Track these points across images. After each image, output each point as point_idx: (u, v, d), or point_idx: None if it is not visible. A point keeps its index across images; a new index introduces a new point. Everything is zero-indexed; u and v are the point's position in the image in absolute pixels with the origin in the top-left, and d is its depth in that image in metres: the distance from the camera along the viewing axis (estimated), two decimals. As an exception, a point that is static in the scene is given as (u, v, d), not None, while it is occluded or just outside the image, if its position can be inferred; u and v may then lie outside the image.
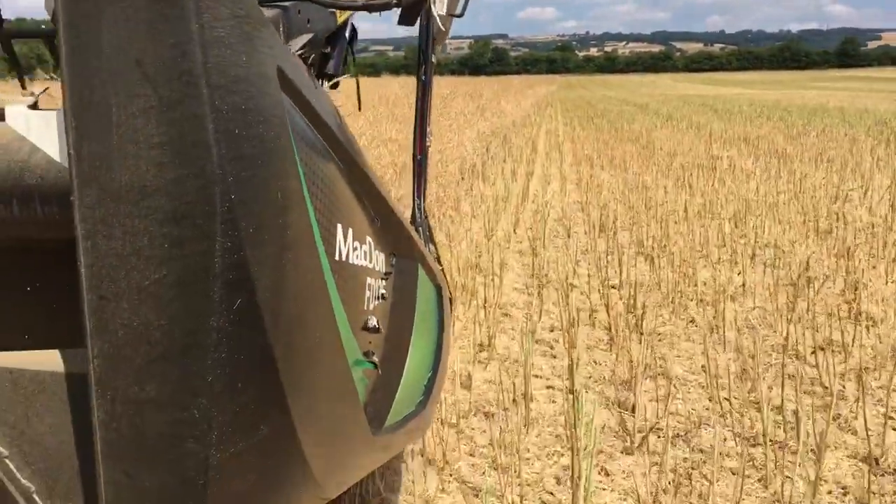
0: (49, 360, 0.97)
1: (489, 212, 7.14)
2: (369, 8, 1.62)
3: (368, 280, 1.41)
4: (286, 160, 0.92)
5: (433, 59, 2.61)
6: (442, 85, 29.32)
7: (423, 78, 2.61)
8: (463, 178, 8.67)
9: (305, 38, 1.60)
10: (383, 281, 1.53)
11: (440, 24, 2.42)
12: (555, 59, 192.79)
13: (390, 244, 1.57)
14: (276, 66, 0.91)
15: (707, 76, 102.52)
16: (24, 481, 0.95)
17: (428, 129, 2.66)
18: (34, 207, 0.98)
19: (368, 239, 1.39)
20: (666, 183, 8.97)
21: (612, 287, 4.96)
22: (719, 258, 5.60)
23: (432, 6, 2.26)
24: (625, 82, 72.93)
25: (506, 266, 5.47)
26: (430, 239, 2.65)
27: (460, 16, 2.52)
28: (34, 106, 0.97)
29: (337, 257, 1.19)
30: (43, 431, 0.95)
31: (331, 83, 1.97)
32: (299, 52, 1.57)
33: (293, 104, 1.01)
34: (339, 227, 1.20)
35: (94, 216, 0.80)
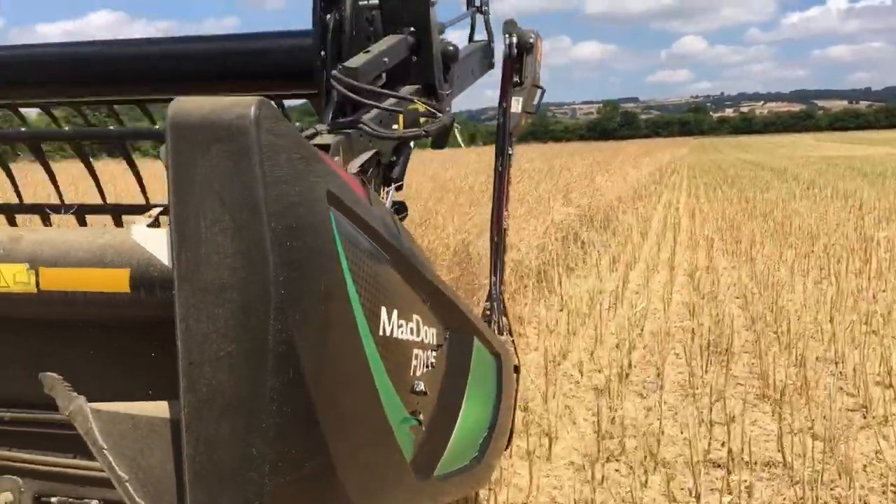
0: (158, 409, 1.37)
1: (565, 322, 5.56)
2: (403, 139, 2.00)
3: (416, 351, 1.74)
4: (330, 261, 1.33)
5: (510, 151, 2.94)
6: (555, 153, 27.93)
7: (500, 169, 2.92)
8: (533, 279, 7.12)
9: (367, 154, 1.86)
10: (433, 352, 1.84)
11: (516, 120, 2.93)
12: (687, 120, 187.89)
13: (443, 321, 1.90)
14: (326, 189, 1.32)
15: (853, 135, 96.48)
16: (138, 499, 1.35)
17: (505, 213, 2.95)
18: (155, 294, 1.36)
19: (416, 317, 1.72)
20: (804, 277, 7.11)
21: (716, 465, 3.30)
22: (887, 416, 3.79)
23: (513, 105, 2.90)
24: (762, 143, 69.25)
25: (567, 415, 3.89)
26: (503, 313, 2.87)
27: (534, 113, 3.03)
28: (155, 222, 1.39)
29: (381, 333, 1.54)
30: (153, 462, 1.36)
31: (395, 186, 2.09)
32: (362, 165, 1.84)
33: (342, 215, 1.38)
34: (384, 308, 1.55)
35: (187, 304, 1.20)
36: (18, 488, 1.71)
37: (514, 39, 2.85)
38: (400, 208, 2.07)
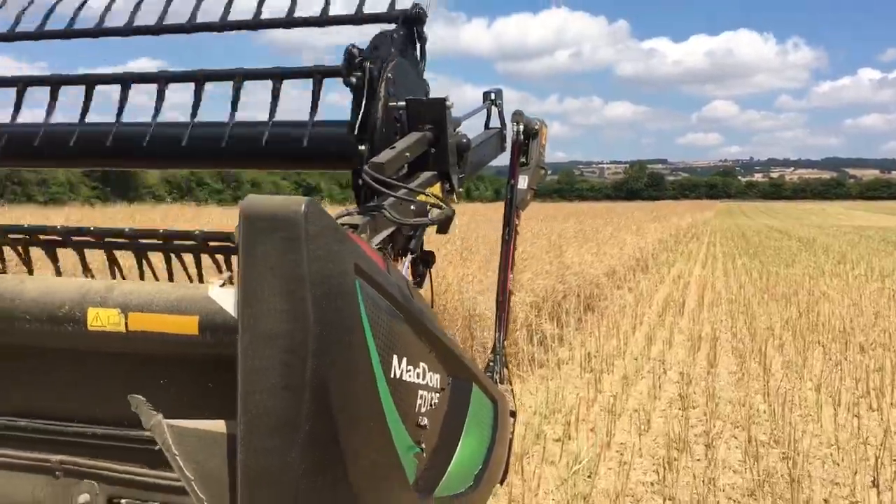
0: (217, 425, 1.82)
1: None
2: (414, 225, 2.51)
3: (420, 392, 2.15)
4: (354, 318, 1.78)
5: (517, 221, 3.41)
6: (548, 213, 26.21)
7: (507, 238, 3.35)
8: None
9: (387, 232, 2.35)
10: (437, 394, 2.24)
11: (522, 196, 3.40)
12: (715, 183, 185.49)
13: (446, 368, 2.30)
14: (354, 263, 1.79)
15: (885, 204, 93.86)
16: (200, 494, 1.78)
17: (510, 277, 3.35)
18: (217, 337, 1.83)
19: (422, 364, 2.15)
20: (833, 399, 5.27)
21: None
22: None
23: (520, 182, 3.36)
24: (790, 210, 67.08)
25: None
26: (504, 365, 3.31)
27: (536, 191, 3.53)
28: (228, 280, 1.88)
29: (392, 375, 1.97)
30: (212, 466, 1.82)
31: (412, 257, 2.63)
32: (383, 239, 2.37)
33: (365, 282, 1.85)
34: (395, 356, 1.99)
35: (247, 347, 1.64)
36: (95, 491, 2.20)
37: (521, 127, 3.31)
38: (428, 258, 2.76)
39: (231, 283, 1.92)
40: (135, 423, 2.02)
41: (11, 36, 3.15)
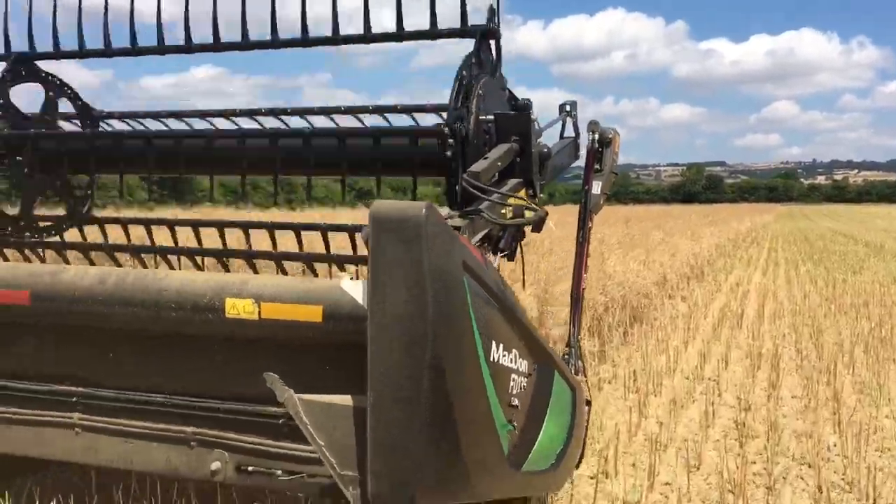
0: (344, 399, 2.21)
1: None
2: (511, 225, 2.86)
3: (513, 375, 2.43)
4: (463, 308, 2.10)
5: (590, 225, 3.59)
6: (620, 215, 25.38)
7: (581, 240, 3.57)
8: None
9: (483, 232, 2.68)
10: (525, 378, 2.53)
11: (595, 201, 3.62)
12: (776, 186, 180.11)
13: (532, 356, 2.58)
14: (462, 260, 2.11)
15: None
16: (330, 457, 2.17)
17: (584, 276, 3.60)
18: (339, 324, 2.22)
19: (514, 350, 2.43)
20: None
21: None
22: None
23: (593, 187, 3.56)
24: (855, 213, 64.59)
25: None
26: (579, 357, 3.53)
27: (609, 195, 3.72)
28: (356, 274, 2.34)
29: (492, 359, 2.27)
30: (340, 434, 2.19)
31: (502, 255, 2.98)
32: (481, 238, 2.70)
33: (470, 276, 2.15)
34: (494, 342, 2.28)
35: (375, 332, 2.00)
36: (225, 460, 2.54)
37: (597, 135, 3.54)
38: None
39: (358, 276, 2.31)
40: (261, 400, 2.46)
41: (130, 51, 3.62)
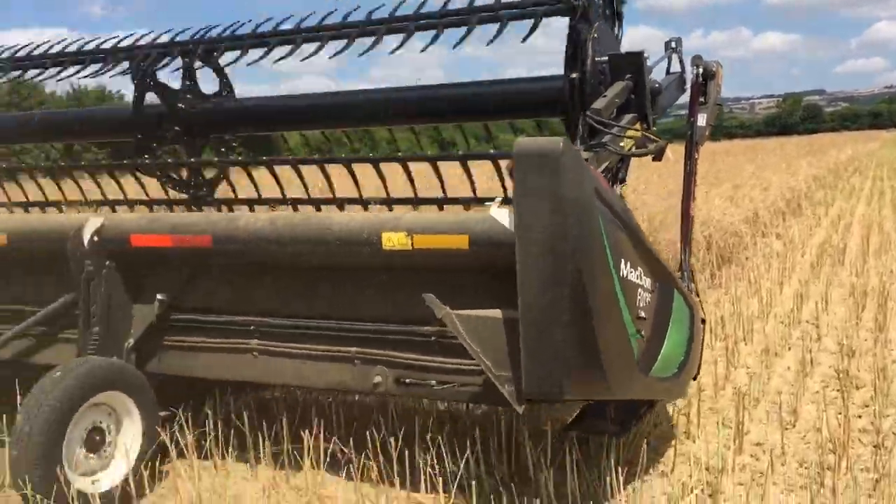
0: (494, 312, 2.67)
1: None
2: (634, 155, 3.18)
3: (639, 291, 2.74)
4: (596, 230, 2.44)
5: (696, 156, 3.83)
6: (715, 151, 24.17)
7: (688, 169, 3.83)
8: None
9: (606, 163, 2.92)
10: (649, 293, 2.83)
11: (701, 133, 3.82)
12: (880, 112, 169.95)
13: (654, 274, 2.86)
14: (594, 187, 2.46)
15: None
16: (487, 362, 2.64)
17: (692, 204, 3.87)
18: (482, 250, 2.62)
19: (639, 268, 2.73)
20: None
21: None
22: None
23: (699, 119, 3.78)
24: (970, 135, 60.30)
25: None
26: (691, 279, 3.77)
27: (714, 126, 3.95)
28: (502, 203, 2.70)
29: (622, 275, 2.59)
30: (495, 343, 2.64)
31: (621, 184, 3.31)
32: (605, 168, 2.90)
33: (601, 202, 2.48)
34: (622, 260, 2.60)
35: (522, 252, 2.40)
36: (385, 374, 2.97)
37: (701, 69, 3.76)
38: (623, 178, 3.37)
39: (504, 205, 2.64)
40: (416, 321, 2.90)
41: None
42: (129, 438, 3.19)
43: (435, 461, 3.01)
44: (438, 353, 2.89)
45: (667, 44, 3.80)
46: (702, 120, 3.78)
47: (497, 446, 3.33)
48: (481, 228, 2.65)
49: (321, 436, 3.26)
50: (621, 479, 2.85)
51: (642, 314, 2.76)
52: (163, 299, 3.40)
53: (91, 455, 3.10)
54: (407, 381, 2.94)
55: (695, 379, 3.49)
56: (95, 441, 3.11)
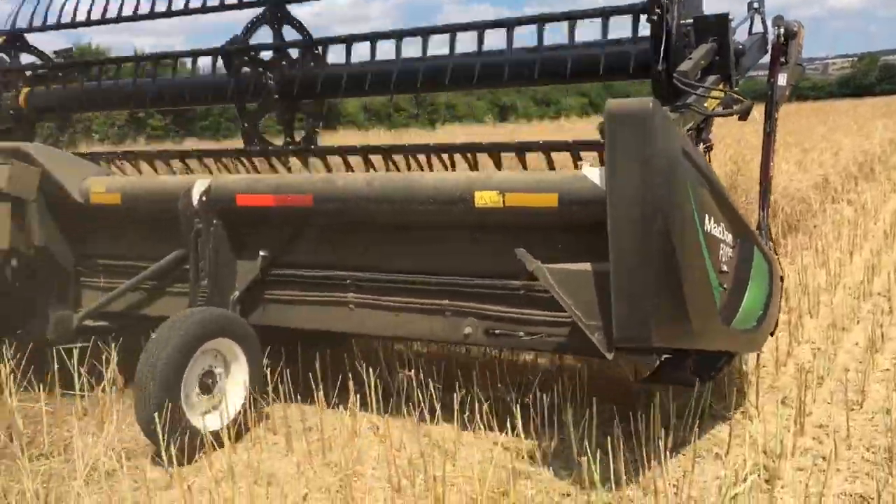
0: (584, 266, 2.79)
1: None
2: (720, 115, 3.27)
3: (722, 245, 2.89)
4: (683, 186, 2.61)
5: (776, 115, 3.85)
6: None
7: (768, 130, 3.88)
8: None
9: (692, 122, 3.06)
10: (731, 248, 2.98)
11: (781, 93, 3.82)
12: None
13: (736, 230, 3.02)
14: (681, 147, 2.63)
15: None
16: (577, 313, 2.77)
17: (771, 164, 3.91)
18: (571, 208, 2.84)
19: (722, 224, 2.88)
20: None
21: None
22: None
23: (779, 80, 3.77)
24: None
25: None
26: (769, 237, 3.84)
27: (795, 86, 3.99)
28: (595, 162, 2.93)
29: (706, 230, 2.74)
30: (585, 294, 2.75)
31: (704, 146, 3.31)
32: (690, 128, 3.04)
33: (687, 161, 2.63)
34: (706, 216, 2.75)
35: (613, 209, 2.51)
36: (475, 325, 3.16)
37: (782, 30, 3.77)
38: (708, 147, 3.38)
39: (596, 164, 2.83)
40: (505, 275, 3.07)
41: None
42: (237, 382, 3.47)
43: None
44: (526, 305, 3.08)
45: (749, 4, 3.82)
46: (782, 80, 3.79)
47: (539, 425, 3.18)
48: (570, 187, 2.84)
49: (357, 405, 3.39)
50: (671, 462, 2.67)
51: (724, 268, 2.93)
52: (265, 255, 3.66)
53: (204, 396, 3.40)
54: (496, 331, 3.13)
55: (772, 335, 3.54)
56: (208, 384, 3.41)
